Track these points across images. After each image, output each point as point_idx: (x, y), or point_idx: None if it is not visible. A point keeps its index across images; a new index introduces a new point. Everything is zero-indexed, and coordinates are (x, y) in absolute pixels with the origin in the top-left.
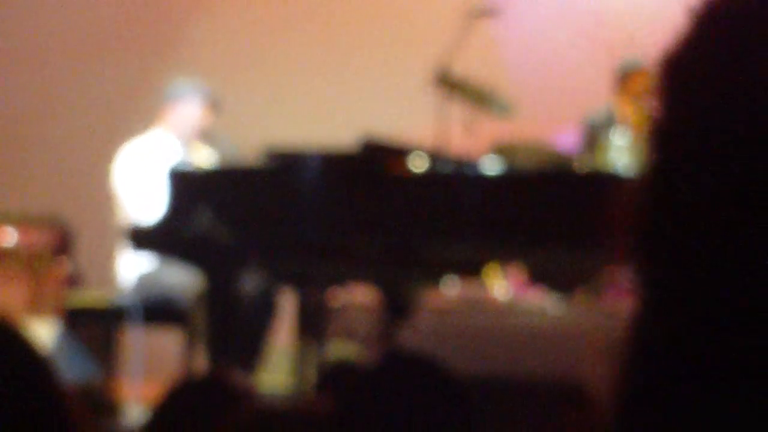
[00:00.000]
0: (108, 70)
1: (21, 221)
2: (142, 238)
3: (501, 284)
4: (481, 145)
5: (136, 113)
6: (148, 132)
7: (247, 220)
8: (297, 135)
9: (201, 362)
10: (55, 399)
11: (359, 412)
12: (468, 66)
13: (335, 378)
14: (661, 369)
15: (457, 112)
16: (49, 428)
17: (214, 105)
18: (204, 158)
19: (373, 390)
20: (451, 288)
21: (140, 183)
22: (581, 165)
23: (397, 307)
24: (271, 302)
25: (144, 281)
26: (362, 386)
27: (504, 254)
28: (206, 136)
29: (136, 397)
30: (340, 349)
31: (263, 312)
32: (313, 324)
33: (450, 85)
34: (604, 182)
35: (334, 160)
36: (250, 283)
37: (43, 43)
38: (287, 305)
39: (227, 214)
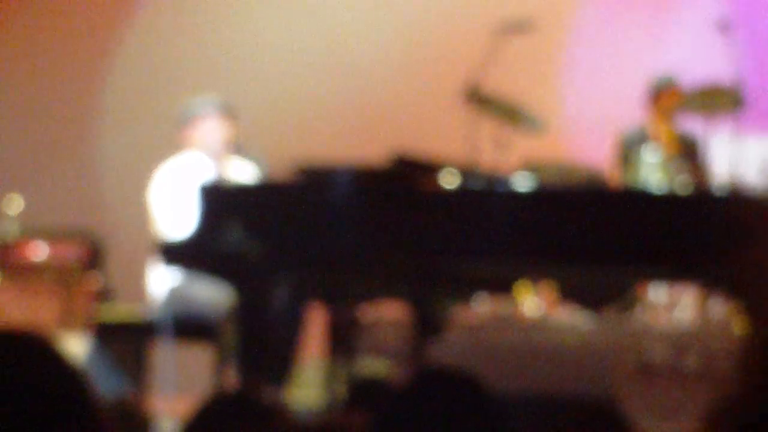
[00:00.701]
0: (138, 85)
1: (52, 235)
2: (173, 254)
3: (531, 300)
4: (512, 161)
5: (169, 130)
6: (181, 154)
7: (278, 235)
8: (328, 150)
9: (232, 377)
10: (89, 412)
11: (391, 428)
12: (498, 82)
13: (366, 394)
14: None
15: (488, 128)
16: None
17: (232, 114)
18: (237, 172)
19: (406, 407)
20: (482, 304)
21: (175, 201)
22: (613, 182)
23: (427, 323)
24: (299, 317)
25: (174, 296)
26: (395, 403)
27: (535, 271)
28: (237, 149)
29: (167, 412)
30: (370, 365)
31: (292, 327)
32: (344, 340)
33: (481, 100)
34: (635, 199)
35: (365, 176)
36: (279, 297)
37: (79, 60)
38: (318, 321)
39: (258, 230)
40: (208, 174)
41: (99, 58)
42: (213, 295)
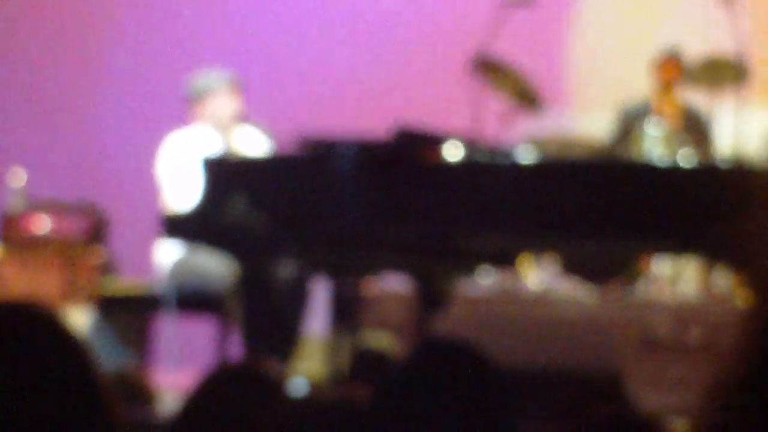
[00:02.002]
0: (144, 58)
1: (56, 209)
2: (176, 226)
3: (535, 274)
4: (517, 134)
5: (173, 102)
6: (187, 127)
7: (282, 208)
8: (332, 124)
9: (235, 350)
10: (92, 385)
11: (395, 401)
12: (501, 55)
13: (370, 367)
14: None
15: (493, 101)
16: (85, 413)
17: (240, 88)
18: (246, 139)
19: (408, 378)
20: (486, 278)
21: (181, 173)
22: (616, 155)
23: (431, 296)
24: (305, 290)
25: (178, 269)
26: (397, 374)
27: (538, 244)
28: (243, 122)
29: (171, 385)
30: (374, 338)
31: (296, 300)
32: (348, 313)
33: (488, 68)
34: (638, 172)
35: (368, 149)
36: (283, 270)
37: (83, 33)
38: (322, 294)
39: (261, 203)
40: (215, 147)
41: (103, 31)
42: (217, 267)
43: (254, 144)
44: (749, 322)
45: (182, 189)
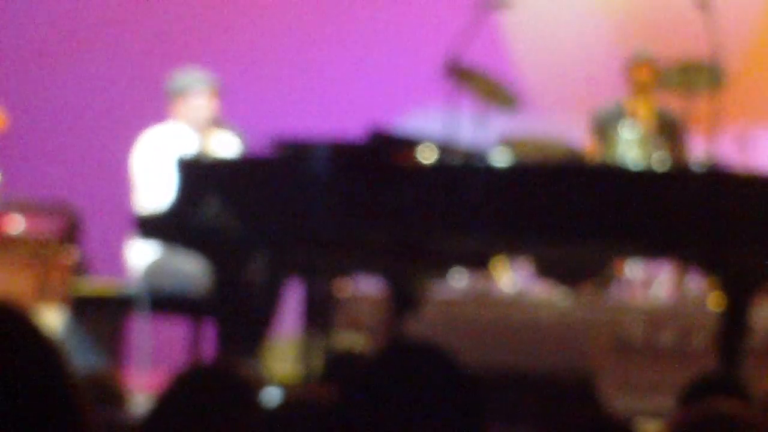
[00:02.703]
0: (118, 58)
1: (29, 208)
2: (150, 227)
3: (508, 277)
4: (491, 136)
5: (147, 101)
6: (164, 124)
7: (255, 209)
8: (306, 125)
9: (208, 352)
10: (64, 385)
11: (364, 401)
12: (477, 57)
13: (340, 367)
14: None
15: (467, 104)
16: (57, 413)
17: (218, 89)
18: (220, 145)
19: (378, 379)
20: (459, 280)
21: (156, 171)
22: (590, 158)
23: (404, 298)
24: (277, 291)
25: (152, 270)
26: (367, 375)
27: (512, 247)
28: (217, 124)
29: (143, 386)
30: (346, 339)
31: (269, 301)
32: (320, 314)
33: (461, 74)
34: (612, 175)
35: (342, 151)
36: (256, 272)
37: (54, 30)
38: (295, 296)
39: (235, 204)
40: (191, 146)
41: (79, 28)
42: (191, 268)
43: (228, 149)
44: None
45: (156, 187)
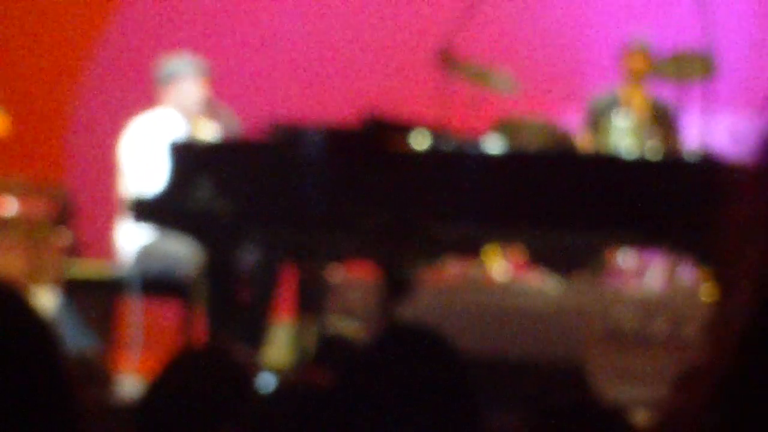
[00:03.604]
0: (109, 41)
1: (22, 191)
2: (142, 210)
3: (500, 264)
4: (484, 122)
5: (138, 85)
6: (154, 110)
7: (248, 193)
8: (300, 110)
9: (199, 335)
10: (56, 365)
11: (357, 385)
12: (471, 43)
13: (333, 352)
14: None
15: (460, 89)
16: (48, 394)
17: (208, 76)
18: (209, 132)
19: (371, 363)
20: (451, 267)
21: (146, 157)
22: (583, 146)
23: (396, 284)
24: (274, 276)
25: (144, 253)
26: (360, 359)
27: (504, 234)
28: (208, 108)
29: (134, 369)
30: (339, 325)
31: (266, 286)
32: (313, 300)
33: (452, 63)
34: (605, 164)
35: (336, 136)
36: (252, 256)
37: (53, 18)
38: (287, 281)
39: (228, 188)
40: (180, 132)
41: (71, 14)
42: (183, 252)
43: (216, 136)
44: (713, 316)
45: (144, 174)
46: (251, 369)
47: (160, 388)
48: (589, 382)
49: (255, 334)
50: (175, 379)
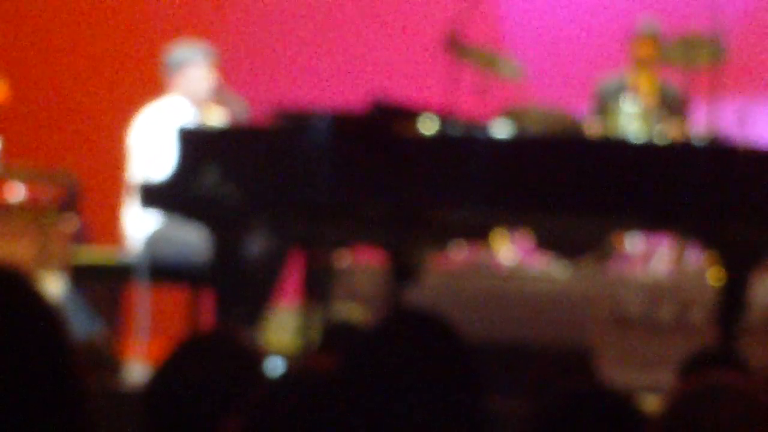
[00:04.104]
0: (119, 28)
1: (29, 176)
2: (150, 196)
3: (507, 249)
4: (492, 108)
5: (146, 71)
6: (163, 98)
7: (256, 179)
8: (307, 95)
9: (207, 321)
10: (64, 350)
11: (363, 370)
12: (479, 29)
13: (339, 338)
14: None
15: (468, 75)
16: (56, 377)
17: (217, 62)
18: (218, 119)
19: (376, 347)
20: (458, 252)
21: (155, 144)
22: (591, 131)
23: (403, 269)
24: (280, 261)
25: (152, 239)
26: (366, 343)
27: (512, 219)
28: (217, 95)
29: (141, 355)
30: (345, 310)
31: (272, 271)
32: (319, 285)
33: (460, 48)
34: (613, 149)
35: (343, 121)
36: (259, 242)
37: (58, 3)
38: (294, 266)
39: (235, 174)
40: (189, 119)
41: (83, 2)
42: (191, 238)
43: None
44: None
45: (154, 162)
46: (259, 354)
47: (167, 373)
48: (596, 367)
49: (254, 317)
50: (182, 365)
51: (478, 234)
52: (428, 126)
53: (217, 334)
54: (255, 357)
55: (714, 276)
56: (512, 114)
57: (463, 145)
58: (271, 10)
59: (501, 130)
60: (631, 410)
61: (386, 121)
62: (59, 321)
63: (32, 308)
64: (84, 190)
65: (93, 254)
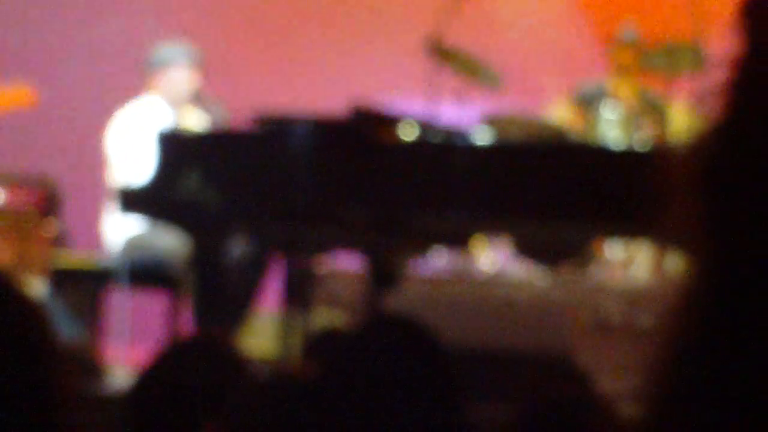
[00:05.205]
0: (98, 30)
1: (8, 181)
2: (130, 200)
3: (487, 256)
4: (471, 115)
5: (127, 75)
6: (141, 98)
7: (235, 184)
8: (287, 100)
9: (187, 326)
10: (50, 352)
11: (344, 376)
12: (459, 36)
13: (321, 345)
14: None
15: (449, 81)
16: (38, 380)
17: (200, 66)
18: (195, 122)
19: (357, 354)
20: (438, 258)
21: (133, 147)
22: (571, 138)
23: (383, 275)
24: (262, 267)
25: (132, 244)
26: (347, 350)
27: (492, 226)
28: (197, 99)
29: (121, 360)
30: (325, 316)
31: (252, 275)
32: (300, 291)
33: (441, 54)
34: (593, 155)
35: (323, 127)
36: (237, 247)
37: (39, 3)
38: (274, 272)
39: (215, 178)
40: (167, 121)
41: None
42: (171, 243)
43: (201, 127)
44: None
45: (131, 164)
46: (241, 360)
47: (150, 379)
48: (576, 374)
49: (236, 320)
50: (165, 370)
51: (458, 240)
52: (409, 132)
53: (199, 340)
54: (237, 363)
55: None
56: (493, 121)
57: (443, 152)
58: (252, 15)
59: (481, 136)
60: (610, 416)
61: (367, 127)
62: (45, 322)
63: (17, 309)
64: (64, 195)
65: (73, 259)
